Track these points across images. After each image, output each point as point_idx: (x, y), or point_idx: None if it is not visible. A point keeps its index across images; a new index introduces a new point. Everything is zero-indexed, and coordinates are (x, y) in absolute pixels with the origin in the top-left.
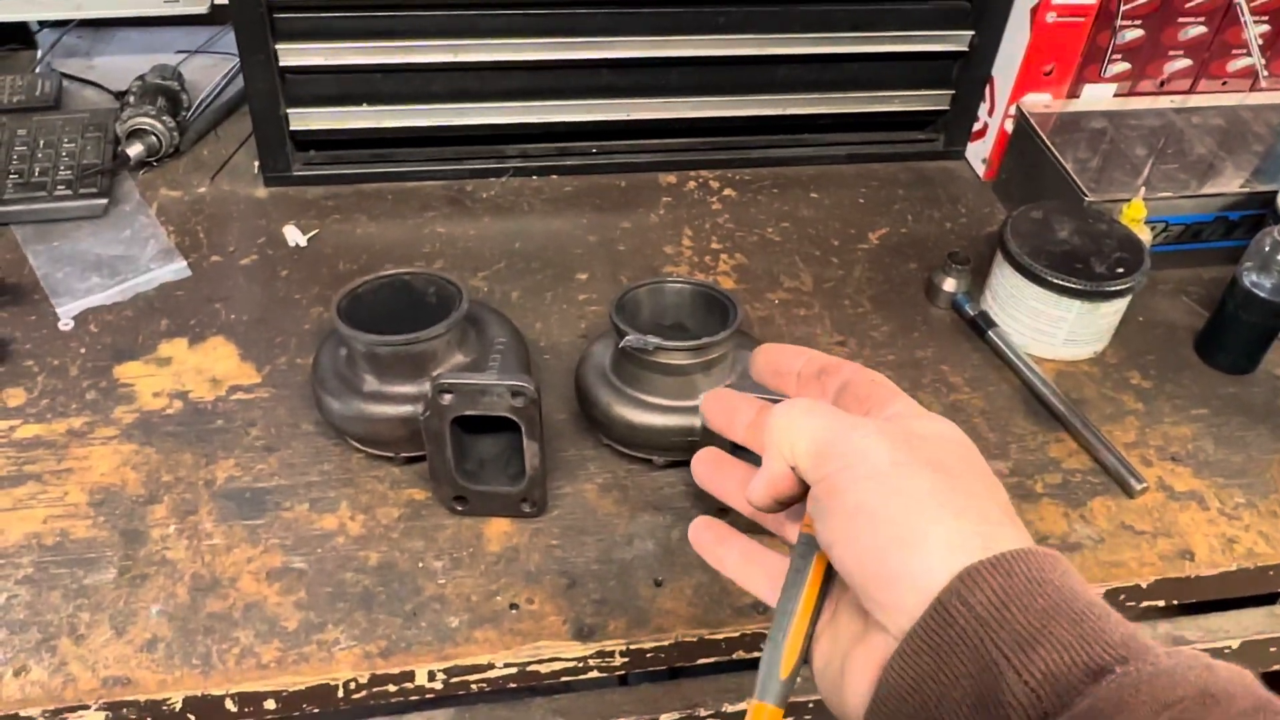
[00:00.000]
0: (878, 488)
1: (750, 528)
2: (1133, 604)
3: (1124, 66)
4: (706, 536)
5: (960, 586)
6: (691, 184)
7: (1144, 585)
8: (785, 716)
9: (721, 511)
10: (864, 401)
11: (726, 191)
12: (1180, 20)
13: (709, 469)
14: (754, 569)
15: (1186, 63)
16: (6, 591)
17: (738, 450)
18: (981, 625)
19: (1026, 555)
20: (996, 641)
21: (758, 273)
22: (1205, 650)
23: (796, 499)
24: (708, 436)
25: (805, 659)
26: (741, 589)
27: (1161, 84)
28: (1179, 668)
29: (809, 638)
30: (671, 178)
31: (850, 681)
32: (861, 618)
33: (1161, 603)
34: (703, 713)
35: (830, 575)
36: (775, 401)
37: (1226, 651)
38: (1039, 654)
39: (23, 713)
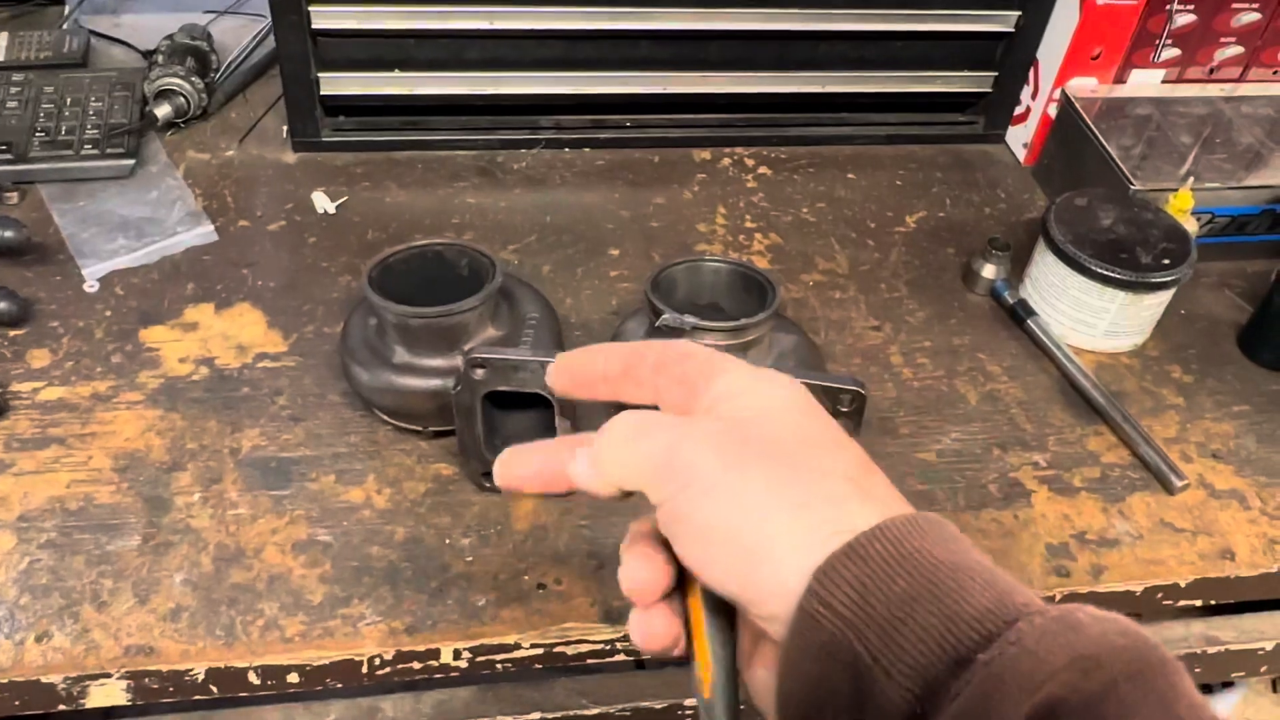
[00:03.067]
0: (715, 503)
1: None
2: (1170, 602)
3: (1173, 52)
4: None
5: (818, 587)
6: (726, 161)
7: (1182, 584)
8: None
9: None
10: (684, 382)
11: (761, 170)
12: (1234, 6)
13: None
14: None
15: (1238, 50)
16: (30, 556)
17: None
18: (847, 626)
19: (882, 532)
20: (864, 641)
21: (792, 254)
22: (1240, 652)
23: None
24: None
25: (734, 681)
26: None
27: (1211, 71)
28: (1044, 637)
29: (726, 653)
30: (706, 154)
31: (761, 692)
32: (751, 626)
33: (1199, 602)
34: None
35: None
36: None
37: (1260, 652)
38: (904, 646)
39: (44, 679)
